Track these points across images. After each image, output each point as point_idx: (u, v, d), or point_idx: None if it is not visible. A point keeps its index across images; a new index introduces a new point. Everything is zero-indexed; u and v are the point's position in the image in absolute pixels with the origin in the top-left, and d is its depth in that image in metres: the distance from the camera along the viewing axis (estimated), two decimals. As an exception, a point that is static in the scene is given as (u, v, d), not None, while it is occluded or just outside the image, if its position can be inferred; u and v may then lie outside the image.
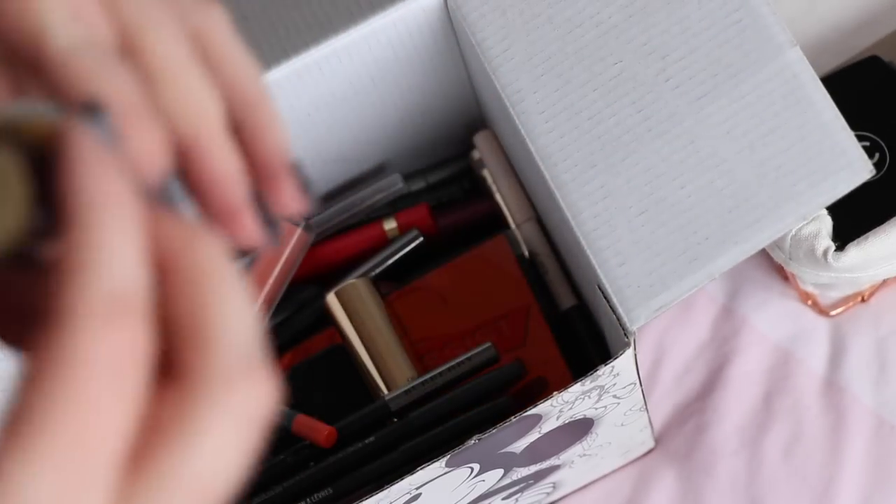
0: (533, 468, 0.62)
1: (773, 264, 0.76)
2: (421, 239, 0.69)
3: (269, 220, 0.32)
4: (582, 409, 0.56)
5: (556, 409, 0.55)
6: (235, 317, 0.28)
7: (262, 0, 0.60)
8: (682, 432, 0.73)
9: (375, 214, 0.70)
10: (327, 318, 0.66)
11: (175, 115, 0.30)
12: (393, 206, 0.71)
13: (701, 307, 0.75)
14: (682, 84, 0.54)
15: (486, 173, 0.68)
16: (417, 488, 0.55)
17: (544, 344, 0.64)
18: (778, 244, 0.70)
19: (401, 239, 0.69)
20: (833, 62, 0.79)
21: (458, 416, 0.60)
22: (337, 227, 0.70)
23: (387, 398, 0.61)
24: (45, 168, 0.27)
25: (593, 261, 0.53)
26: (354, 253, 0.69)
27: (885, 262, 0.69)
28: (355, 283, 0.66)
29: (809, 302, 0.74)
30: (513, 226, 0.67)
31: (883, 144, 0.73)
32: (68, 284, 0.26)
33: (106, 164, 0.27)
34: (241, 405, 0.27)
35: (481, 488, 0.61)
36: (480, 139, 0.68)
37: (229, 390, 0.27)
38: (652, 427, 0.70)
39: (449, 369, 0.61)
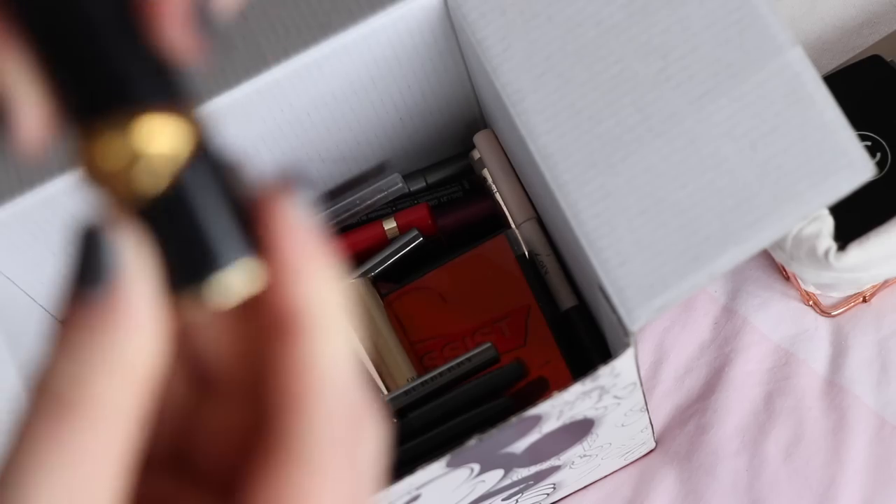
0: (533, 469, 0.62)
1: (774, 264, 0.75)
2: (421, 239, 0.69)
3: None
4: (582, 410, 0.56)
5: (556, 410, 0.55)
6: (341, 367, 0.26)
7: (261, 0, 0.60)
8: (682, 433, 0.73)
9: (375, 214, 0.70)
10: (327, 319, 0.66)
11: None
12: (393, 206, 0.71)
13: (702, 307, 0.75)
14: (682, 83, 0.54)
15: (486, 173, 0.68)
16: (417, 489, 0.55)
17: (545, 344, 0.64)
18: (779, 244, 0.70)
19: (401, 239, 0.69)
20: (834, 62, 0.79)
21: (459, 416, 0.60)
22: (337, 227, 0.69)
23: (387, 398, 0.61)
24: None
25: (593, 261, 0.53)
26: (354, 253, 0.69)
27: (887, 261, 0.69)
28: (355, 283, 0.66)
29: (811, 302, 0.74)
30: (513, 226, 0.66)
31: (884, 144, 0.73)
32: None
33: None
34: (350, 465, 0.25)
35: (481, 489, 0.61)
36: (480, 139, 0.68)
37: (337, 454, 0.25)
38: (653, 427, 0.70)
39: (449, 370, 0.61)
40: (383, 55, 0.61)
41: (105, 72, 0.25)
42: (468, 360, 0.61)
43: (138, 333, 0.25)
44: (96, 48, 0.25)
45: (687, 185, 0.53)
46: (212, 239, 0.26)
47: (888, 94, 0.74)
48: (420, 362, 0.65)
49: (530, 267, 0.65)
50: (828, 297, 0.74)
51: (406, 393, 0.61)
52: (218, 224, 0.26)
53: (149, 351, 0.25)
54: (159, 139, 0.25)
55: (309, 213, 0.27)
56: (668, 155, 0.53)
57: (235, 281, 0.26)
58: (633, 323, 0.52)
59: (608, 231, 0.53)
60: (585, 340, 0.64)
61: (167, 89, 0.26)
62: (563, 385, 0.53)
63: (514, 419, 0.53)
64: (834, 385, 0.72)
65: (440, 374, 0.61)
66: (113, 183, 0.25)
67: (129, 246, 0.25)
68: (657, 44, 0.54)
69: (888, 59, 0.75)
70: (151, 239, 0.26)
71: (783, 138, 0.53)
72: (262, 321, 0.26)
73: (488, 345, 0.62)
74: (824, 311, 0.74)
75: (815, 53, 0.80)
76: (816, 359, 0.73)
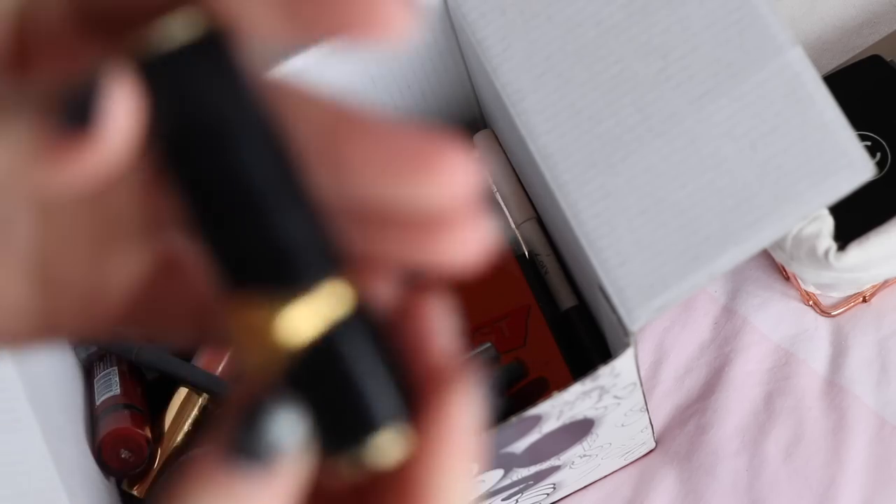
0: (533, 469, 0.62)
1: (774, 264, 0.75)
2: (421, 239, 0.69)
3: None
4: (582, 410, 0.56)
5: (556, 410, 0.54)
6: None
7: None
8: (682, 433, 0.73)
9: (375, 214, 0.70)
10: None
11: None
12: (393, 206, 0.71)
13: (702, 307, 0.75)
14: (682, 83, 0.54)
15: (485, 173, 0.68)
16: (417, 489, 0.55)
17: (544, 344, 0.64)
18: (779, 244, 0.70)
19: (401, 239, 0.69)
20: (834, 62, 0.79)
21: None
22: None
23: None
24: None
25: (593, 261, 0.53)
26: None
27: (887, 261, 0.69)
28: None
29: (811, 302, 0.74)
30: (513, 226, 0.66)
31: (884, 144, 0.73)
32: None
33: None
34: None
35: (481, 489, 0.60)
36: (480, 139, 0.68)
37: None
38: (652, 427, 0.70)
39: (449, 370, 0.61)
40: (383, 55, 0.61)
41: (273, 249, 0.24)
42: (468, 360, 0.61)
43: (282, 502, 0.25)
44: (266, 221, 0.24)
45: (687, 185, 0.53)
46: (363, 402, 0.25)
47: (888, 94, 0.74)
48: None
49: (530, 267, 0.65)
50: (828, 297, 0.74)
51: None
52: (369, 387, 0.25)
53: None
54: (317, 309, 0.25)
55: (479, 413, 0.26)
56: (668, 155, 0.53)
57: (385, 447, 0.25)
58: (633, 323, 0.52)
59: (608, 231, 0.53)
60: (585, 340, 0.64)
61: (329, 260, 0.25)
62: (563, 385, 0.53)
63: (514, 419, 0.53)
64: (834, 385, 0.72)
65: (440, 374, 0.61)
66: (263, 349, 0.25)
67: (292, 424, 0.25)
68: (657, 44, 0.54)
69: (888, 59, 0.75)
70: (304, 405, 0.25)
71: (783, 138, 0.53)
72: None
73: (488, 345, 0.62)
74: (824, 311, 0.74)
75: (815, 53, 0.80)
76: (816, 359, 0.73)
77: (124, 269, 0.27)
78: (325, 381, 0.25)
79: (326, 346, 0.25)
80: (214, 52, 0.24)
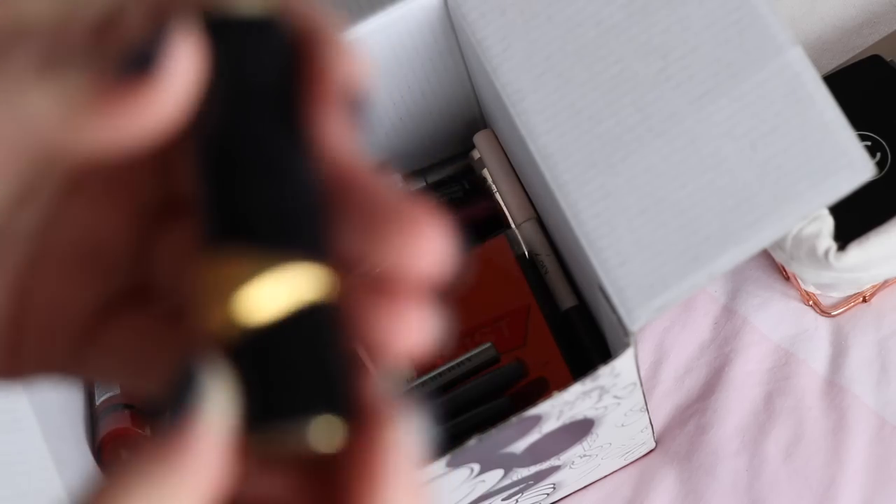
0: (533, 469, 0.62)
1: (774, 264, 0.75)
2: (421, 239, 0.69)
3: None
4: (582, 410, 0.56)
5: (556, 410, 0.54)
6: None
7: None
8: (682, 433, 0.73)
9: (375, 214, 0.70)
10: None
11: None
12: (393, 206, 0.70)
13: (702, 307, 0.75)
14: (682, 83, 0.54)
15: (486, 173, 0.68)
16: (417, 489, 0.55)
17: (544, 344, 0.64)
18: (779, 244, 0.70)
19: (401, 239, 0.69)
20: (834, 62, 0.79)
21: (459, 416, 0.60)
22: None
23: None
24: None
25: (593, 261, 0.53)
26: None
27: (887, 261, 0.69)
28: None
29: (811, 302, 0.74)
30: (513, 226, 0.66)
31: (884, 144, 0.73)
32: None
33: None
34: None
35: (481, 489, 0.60)
36: (480, 139, 0.68)
37: None
38: (652, 427, 0.70)
39: (449, 369, 0.61)
40: (383, 55, 0.61)
41: (270, 212, 0.25)
42: (468, 360, 0.61)
43: (201, 471, 0.25)
44: (272, 185, 0.25)
45: (687, 185, 0.53)
46: (301, 385, 0.25)
47: (888, 94, 0.74)
48: (419, 362, 0.65)
49: (530, 267, 0.65)
50: (828, 297, 0.74)
51: (406, 393, 0.61)
52: (311, 374, 0.25)
53: (209, 484, 0.25)
54: (292, 283, 0.25)
55: (418, 440, 0.26)
56: (668, 155, 0.53)
57: (310, 435, 0.25)
58: (633, 323, 0.52)
59: (608, 231, 0.53)
60: (585, 340, 0.64)
61: (318, 245, 0.25)
62: (563, 385, 0.53)
63: (514, 419, 0.53)
64: (834, 385, 0.72)
65: (440, 373, 0.61)
66: (227, 308, 0.25)
67: (217, 387, 0.25)
68: (657, 44, 0.54)
69: (888, 59, 0.75)
70: (244, 374, 0.25)
71: (783, 138, 0.53)
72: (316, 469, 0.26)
73: (488, 345, 0.62)
74: (824, 311, 0.74)
75: (815, 53, 0.80)
76: (816, 359, 0.73)
77: (95, 299, 0.27)
78: (273, 356, 0.25)
79: (286, 322, 0.25)
80: (273, 32, 0.25)
